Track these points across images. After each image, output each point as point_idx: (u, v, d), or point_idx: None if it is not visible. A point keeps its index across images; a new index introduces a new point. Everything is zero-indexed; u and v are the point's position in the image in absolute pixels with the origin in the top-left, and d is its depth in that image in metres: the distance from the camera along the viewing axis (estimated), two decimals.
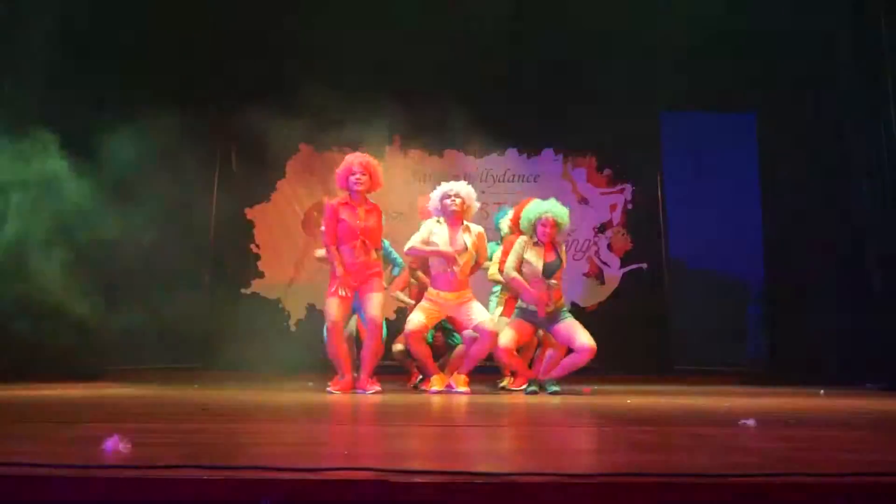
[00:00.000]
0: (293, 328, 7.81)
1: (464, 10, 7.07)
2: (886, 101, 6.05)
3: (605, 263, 8.06)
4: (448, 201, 4.91)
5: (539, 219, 4.77)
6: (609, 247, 8.09)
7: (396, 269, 5.49)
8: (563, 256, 4.88)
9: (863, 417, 3.32)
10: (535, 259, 4.76)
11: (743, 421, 2.65)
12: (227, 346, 7.38)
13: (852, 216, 6.55)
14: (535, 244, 4.82)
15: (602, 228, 8.12)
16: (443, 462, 1.76)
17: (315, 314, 7.55)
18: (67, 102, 6.22)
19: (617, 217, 8.14)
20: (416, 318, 4.79)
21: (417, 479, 1.46)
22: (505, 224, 5.58)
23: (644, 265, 8.02)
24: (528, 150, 8.25)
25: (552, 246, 4.85)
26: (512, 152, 8.25)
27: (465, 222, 4.99)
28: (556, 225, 4.77)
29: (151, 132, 6.79)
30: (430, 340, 5.28)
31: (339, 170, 5.01)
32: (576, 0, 7.10)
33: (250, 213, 8.07)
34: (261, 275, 7.99)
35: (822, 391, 5.12)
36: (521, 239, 4.85)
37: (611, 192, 8.18)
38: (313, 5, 7.13)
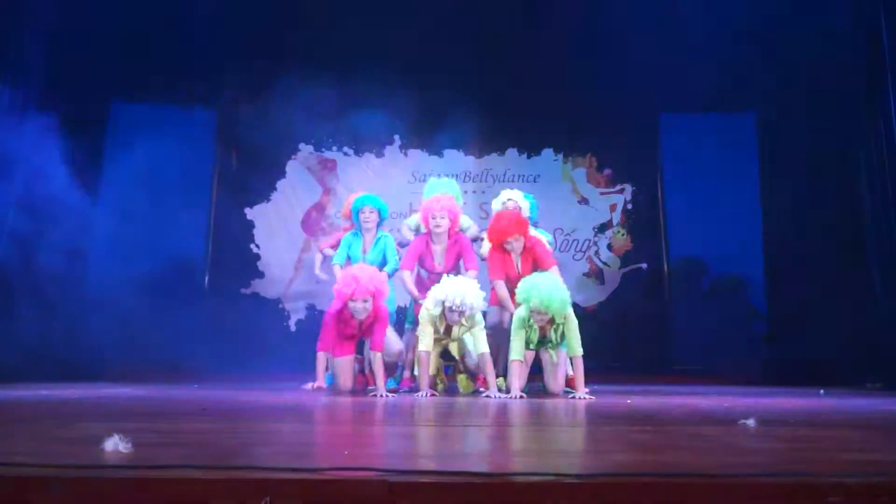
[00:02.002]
0: (293, 328, 7.81)
1: (464, 10, 7.08)
2: (886, 100, 6.05)
3: (605, 263, 8.05)
4: (451, 315, 4.58)
5: (532, 307, 4.48)
6: (609, 247, 8.08)
7: (388, 268, 5.17)
8: (556, 337, 4.65)
9: (863, 417, 3.32)
10: (534, 340, 4.63)
11: (743, 421, 2.65)
12: (227, 346, 7.38)
13: (852, 216, 6.55)
14: (531, 325, 4.59)
15: (602, 228, 8.11)
16: (443, 462, 1.76)
17: (315, 314, 7.55)
18: (66, 100, 6.23)
19: (617, 217, 8.13)
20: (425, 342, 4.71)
21: (417, 479, 1.46)
22: (498, 210, 5.58)
23: (644, 265, 8.02)
24: (528, 150, 8.24)
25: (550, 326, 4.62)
26: (512, 152, 8.25)
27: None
28: (545, 314, 4.46)
29: (151, 131, 6.80)
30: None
31: (342, 286, 4.62)
32: (576, 0, 7.11)
33: (250, 213, 8.07)
34: (261, 275, 7.99)
35: (822, 391, 5.12)
36: (520, 319, 4.56)
37: (611, 192, 8.17)
38: (314, 5, 7.14)
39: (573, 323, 4.60)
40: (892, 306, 5.99)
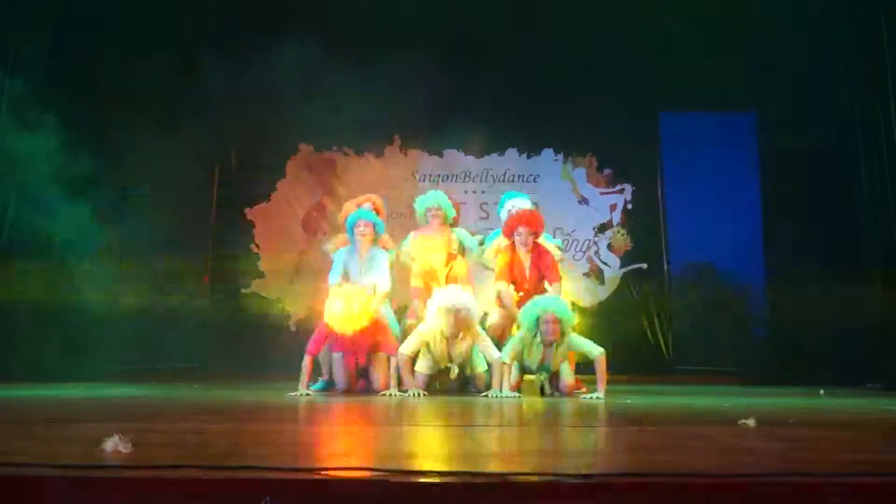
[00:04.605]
0: (293, 328, 7.80)
1: (464, 10, 7.08)
2: (886, 101, 6.05)
3: (605, 263, 8.05)
4: (449, 318, 4.58)
5: (540, 317, 4.49)
6: (609, 247, 8.08)
7: (378, 287, 5.03)
8: (557, 361, 4.62)
9: (863, 417, 3.32)
10: (533, 360, 4.61)
11: (743, 421, 2.65)
12: (227, 346, 7.38)
13: (852, 216, 6.55)
14: (536, 344, 4.57)
15: (602, 228, 8.11)
16: (443, 462, 1.76)
17: (315, 314, 7.55)
18: (66, 100, 6.23)
19: (617, 217, 8.13)
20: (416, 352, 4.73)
21: (417, 479, 1.46)
22: (504, 217, 5.58)
23: (644, 265, 8.02)
24: (528, 150, 8.24)
25: (552, 345, 4.56)
26: (512, 152, 8.24)
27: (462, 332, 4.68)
28: (559, 321, 4.46)
29: (152, 132, 6.79)
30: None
31: (321, 332, 4.67)
32: (576, 0, 7.11)
33: (250, 213, 8.07)
34: (261, 275, 7.99)
35: (822, 391, 5.12)
36: (521, 336, 4.59)
37: (611, 192, 8.17)
38: (313, 7, 7.14)
39: (577, 336, 4.63)
40: (891, 306, 5.99)
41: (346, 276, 5.16)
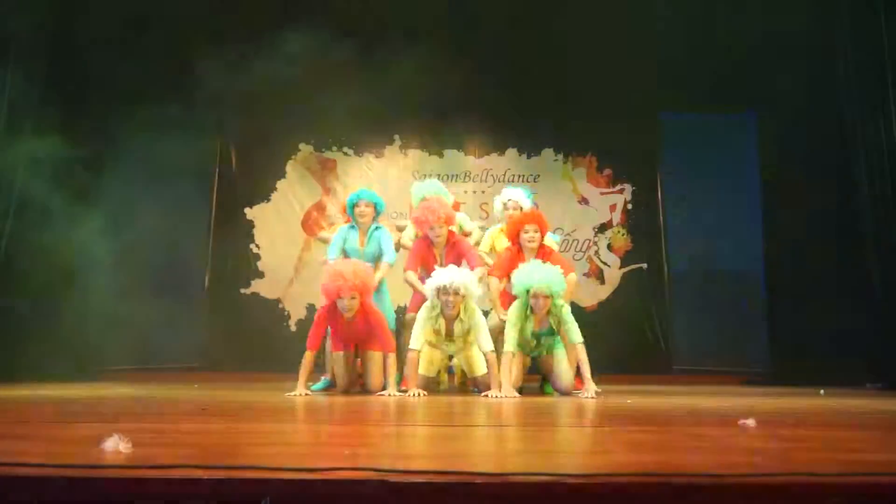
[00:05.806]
0: (293, 328, 7.81)
1: (464, 10, 7.08)
2: (886, 101, 6.06)
3: (605, 263, 8.06)
4: (446, 297, 4.52)
5: (529, 292, 4.50)
6: (609, 247, 8.09)
7: (385, 258, 5.07)
8: (557, 326, 4.60)
9: (863, 417, 3.32)
10: (526, 332, 4.57)
11: (743, 421, 2.65)
12: (227, 346, 7.38)
13: (852, 216, 6.56)
14: (528, 315, 4.57)
15: (602, 228, 8.12)
16: (443, 462, 1.76)
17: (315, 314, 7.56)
18: (66, 101, 6.23)
19: (617, 217, 8.14)
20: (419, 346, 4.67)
21: (417, 479, 1.46)
22: (498, 209, 5.59)
23: (644, 265, 8.03)
24: (528, 150, 8.25)
25: (546, 314, 4.58)
26: (512, 152, 8.25)
27: (461, 316, 4.63)
28: (547, 297, 4.48)
29: (152, 132, 6.79)
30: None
31: (327, 283, 4.55)
32: (575, 0, 7.11)
33: (250, 213, 8.07)
34: (261, 275, 7.99)
35: (822, 391, 5.12)
36: (517, 308, 4.57)
37: (611, 192, 8.18)
38: (314, 8, 7.14)
39: (569, 312, 4.63)
40: (891, 306, 5.99)
41: (345, 253, 5.16)
